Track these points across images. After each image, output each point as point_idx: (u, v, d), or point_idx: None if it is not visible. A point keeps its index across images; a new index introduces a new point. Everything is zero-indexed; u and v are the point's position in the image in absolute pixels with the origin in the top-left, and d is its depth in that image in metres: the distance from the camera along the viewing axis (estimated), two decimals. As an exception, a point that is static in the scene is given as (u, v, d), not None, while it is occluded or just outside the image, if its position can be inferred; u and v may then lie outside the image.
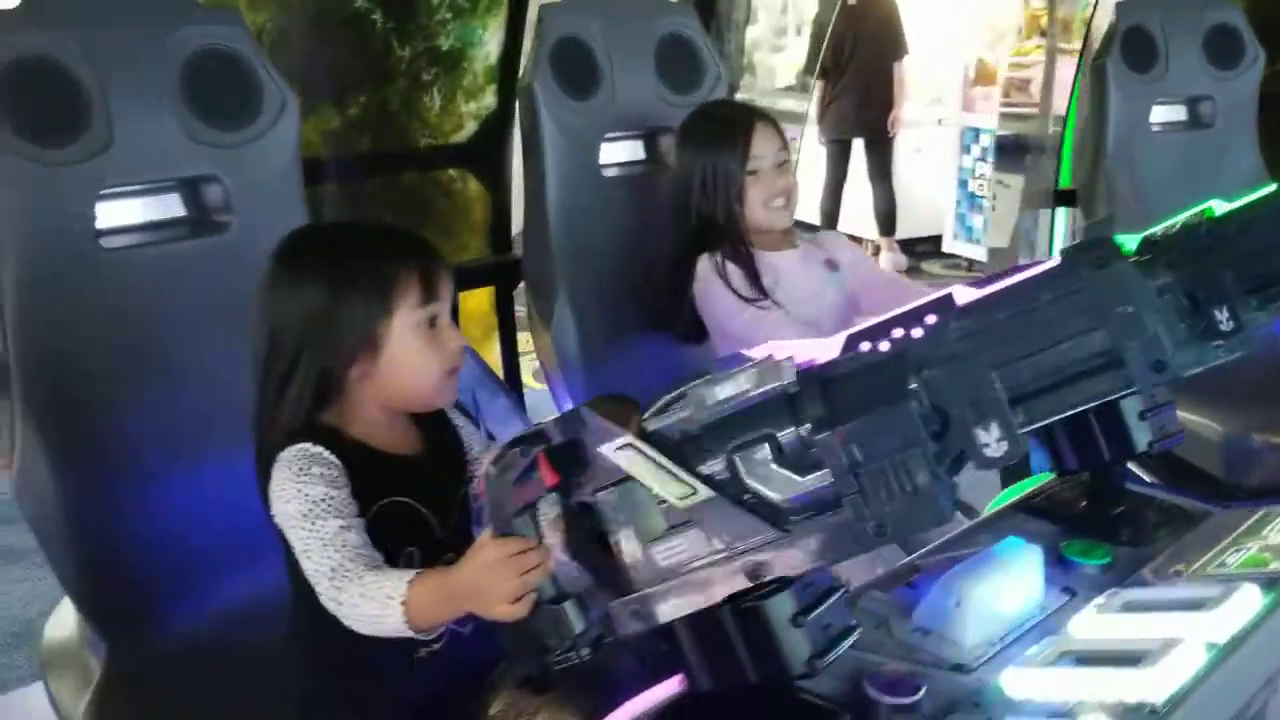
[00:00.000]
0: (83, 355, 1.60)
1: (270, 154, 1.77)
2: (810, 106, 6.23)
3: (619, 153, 2.37)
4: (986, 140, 6.32)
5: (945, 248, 6.61)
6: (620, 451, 1.05)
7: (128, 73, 1.62)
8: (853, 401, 0.96)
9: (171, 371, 1.68)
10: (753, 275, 1.92)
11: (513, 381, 2.58)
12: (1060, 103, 5.11)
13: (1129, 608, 1.29)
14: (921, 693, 1.17)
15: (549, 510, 1.15)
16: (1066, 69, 5.31)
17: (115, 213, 1.65)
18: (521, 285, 2.49)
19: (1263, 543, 1.41)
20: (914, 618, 1.34)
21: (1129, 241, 1.41)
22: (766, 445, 1.00)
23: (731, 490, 1.02)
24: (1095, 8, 3.32)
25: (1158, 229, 1.36)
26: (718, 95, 2.43)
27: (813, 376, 1.00)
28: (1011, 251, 4.95)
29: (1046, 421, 1.01)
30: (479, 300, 2.52)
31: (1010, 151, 5.70)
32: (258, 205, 1.76)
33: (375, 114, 2.22)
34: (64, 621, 1.67)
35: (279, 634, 1.58)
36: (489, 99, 2.41)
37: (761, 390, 1.01)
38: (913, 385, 0.95)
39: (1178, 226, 1.34)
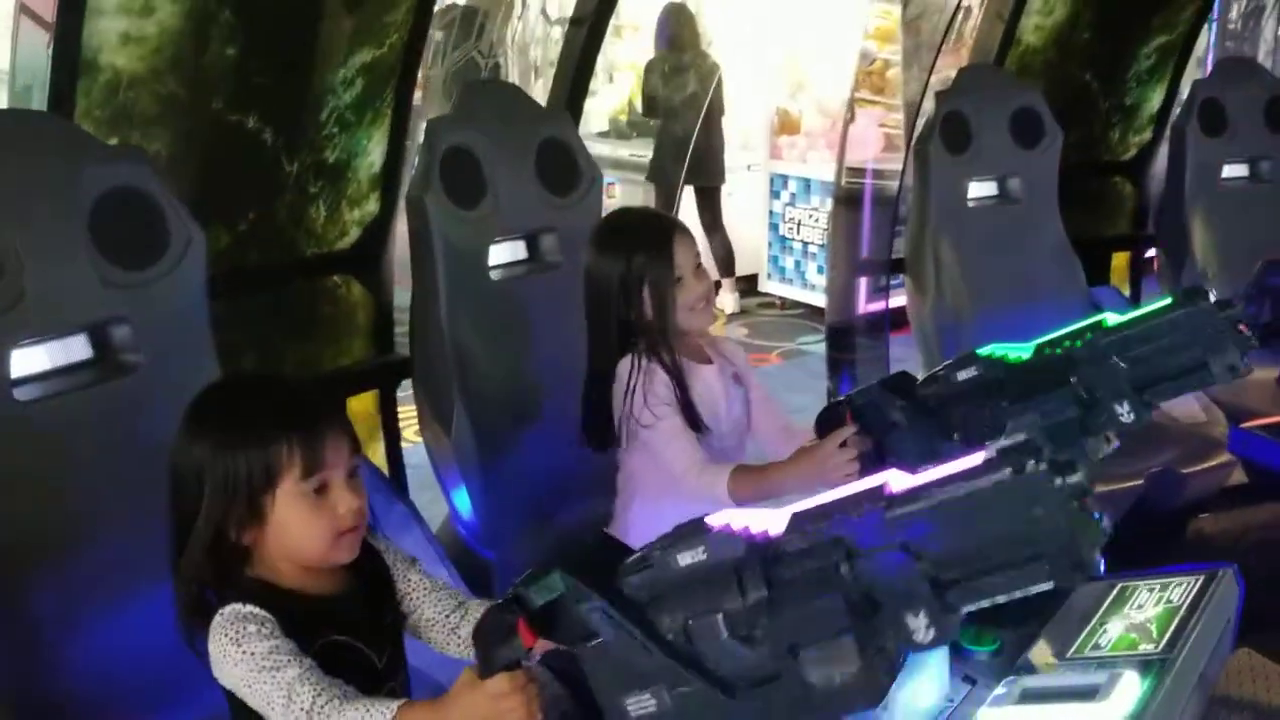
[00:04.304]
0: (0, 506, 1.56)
1: (177, 291, 1.76)
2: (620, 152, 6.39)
3: (504, 254, 2.45)
4: (794, 186, 6.68)
5: (760, 287, 6.94)
6: (593, 614, 1.13)
7: (38, 217, 1.60)
8: (790, 588, 1.03)
9: (85, 515, 1.66)
10: (682, 387, 1.94)
11: (399, 482, 2.60)
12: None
13: (1026, 697, 1.46)
14: (864, 797, 1.30)
15: None
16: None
17: (26, 361, 1.62)
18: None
19: (1127, 621, 1.60)
20: (843, 723, 1.48)
21: (1024, 353, 1.59)
22: (718, 616, 1.06)
23: (686, 654, 1.08)
24: (923, 95, 3.59)
25: (1048, 338, 1.54)
26: (594, 195, 2.55)
27: (756, 554, 1.06)
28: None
29: (975, 606, 1.03)
30: (363, 402, 2.53)
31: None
32: (165, 344, 1.75)
33: (264, 228, 2.22)
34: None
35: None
36: (372, 205, 2.45)
37: (714, 562, 1.07)
38: (844, 573, 1.01)
39: (1071, 336, 1.51)
